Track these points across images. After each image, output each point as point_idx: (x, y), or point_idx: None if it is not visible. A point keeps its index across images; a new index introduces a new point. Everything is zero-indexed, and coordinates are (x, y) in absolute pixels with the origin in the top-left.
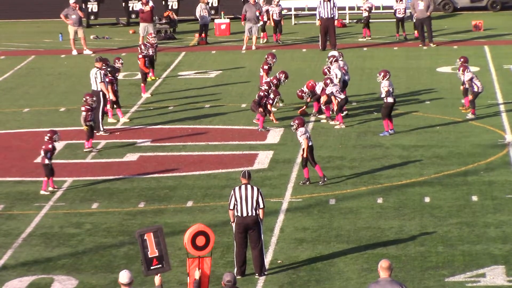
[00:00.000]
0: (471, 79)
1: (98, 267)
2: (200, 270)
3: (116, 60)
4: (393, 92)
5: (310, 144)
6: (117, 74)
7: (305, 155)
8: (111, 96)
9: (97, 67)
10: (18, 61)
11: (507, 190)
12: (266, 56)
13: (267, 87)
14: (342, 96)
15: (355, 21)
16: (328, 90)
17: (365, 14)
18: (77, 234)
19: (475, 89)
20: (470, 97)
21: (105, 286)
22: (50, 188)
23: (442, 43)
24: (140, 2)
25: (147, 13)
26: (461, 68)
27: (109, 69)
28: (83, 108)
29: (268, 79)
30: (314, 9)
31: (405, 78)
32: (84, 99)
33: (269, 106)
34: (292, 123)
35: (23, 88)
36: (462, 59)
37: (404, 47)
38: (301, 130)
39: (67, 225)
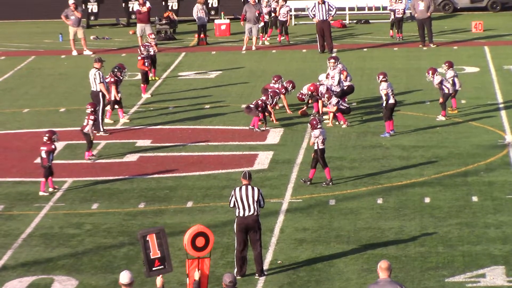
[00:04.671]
0: (440, 82)
1: (98, 267)
2: (199, 271)
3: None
4: (393, 93)
5: (321, 147)
6: (122, 77)
7: (313, 156)
8: (112, 97)
9: (96, 68)
10: (18, 61)
11: (507, 191)
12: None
13: (273, 95)
14: (346, 105)
15: (355, 21)
16: (334, 101)
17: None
18: (77, 235)
19: (446, 91)
20: (440, 100)
21: (105, 286)
22: (50, 189)
23: (442, 44)
24: (137, 2)
25: (144, 14)
26: (430, 72)
27: (115, 69)
28: (92, 117)
29: (276, 86)
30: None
31: (405, 79)
32: (91, 109)
33: (269, 107)
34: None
35: (23, 88)
36: (447, 64)
37: (404, 48)
38: (314, 133)
39: (67, 225)
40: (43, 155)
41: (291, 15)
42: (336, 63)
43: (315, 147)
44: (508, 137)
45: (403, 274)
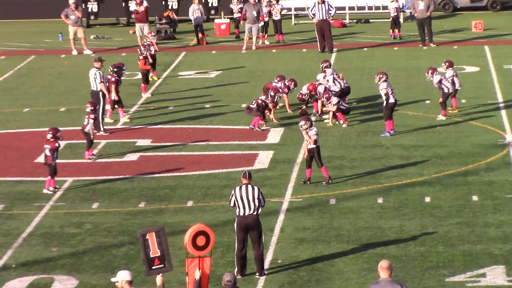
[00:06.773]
0: (440, 81)
1: (98, 267)
2: (200, 270)
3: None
4: (393, 93)
5: (318, 144)
6: (122, 77)
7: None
8: (113, 96)
9: (96, 67)
10: (18, 61)
11: (507, 190)
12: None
13: (273, 94)
14: (346, 105)
15: (355, 21)
16: (334, 101)
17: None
18: (77, 234)
19: (445, 90)
20: (440, 99)
21: (105, 286)
22: (51, 188)
23: (442, 43)
24: (134, 2)
25: (142, 14)
26: (430, 71)
27: (115, 69)
28: (92, 116)
29: (278, 85)
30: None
31: (405, 78)
32: (91, 107)
33: (270, 105)
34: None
35: (23, 88)
36: (447, 63)
37: (404, 47)
38: (312, 132)
39: (67, 225)
40: (47, 153)
41: (282, 14)
42: (327, 66)
43: (310, 146)
44: (508, 136)
45: (403, 274)
